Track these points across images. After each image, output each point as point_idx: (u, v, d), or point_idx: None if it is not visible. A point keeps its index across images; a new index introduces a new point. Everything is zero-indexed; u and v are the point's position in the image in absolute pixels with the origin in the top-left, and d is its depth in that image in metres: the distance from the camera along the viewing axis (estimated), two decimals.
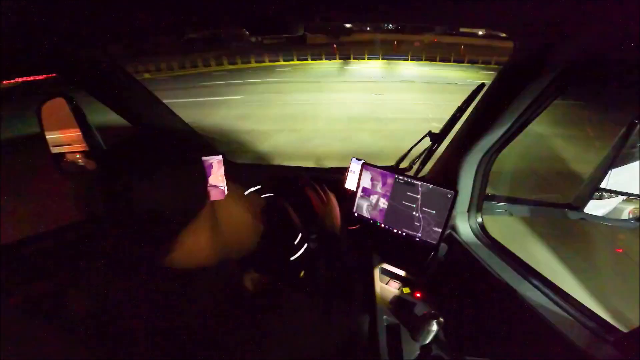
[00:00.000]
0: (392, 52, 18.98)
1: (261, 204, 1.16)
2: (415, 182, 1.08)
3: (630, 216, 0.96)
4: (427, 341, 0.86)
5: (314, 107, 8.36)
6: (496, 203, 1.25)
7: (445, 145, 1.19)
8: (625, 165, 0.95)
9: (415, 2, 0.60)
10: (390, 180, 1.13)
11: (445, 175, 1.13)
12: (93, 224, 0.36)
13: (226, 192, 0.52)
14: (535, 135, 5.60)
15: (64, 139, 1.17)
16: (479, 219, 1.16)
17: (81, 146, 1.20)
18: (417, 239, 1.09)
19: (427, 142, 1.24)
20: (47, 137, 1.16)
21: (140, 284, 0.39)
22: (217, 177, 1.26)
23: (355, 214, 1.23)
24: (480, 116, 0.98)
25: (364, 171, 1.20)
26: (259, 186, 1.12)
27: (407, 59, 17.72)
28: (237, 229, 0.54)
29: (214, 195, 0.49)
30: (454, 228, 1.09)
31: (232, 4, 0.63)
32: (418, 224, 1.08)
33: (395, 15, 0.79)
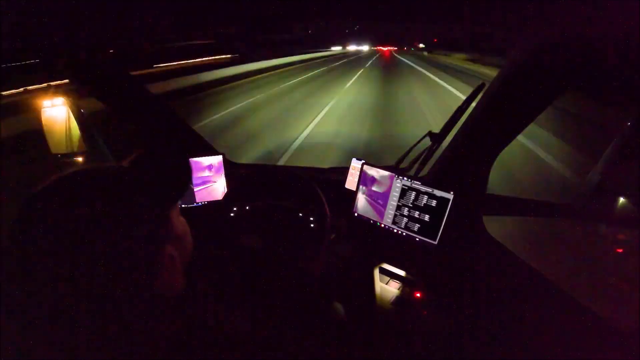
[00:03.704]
0: None
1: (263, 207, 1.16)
2: (415, 182, 1.08)
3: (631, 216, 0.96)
4: None
5: None
6: (496, 203, 1.25)
7: (445, 145, 1.19)
8: (624, 165, 0.95)
9: (417, 1, 0.60)
10: (390, 181, 1.13)
11: (445, 175, 1.13)
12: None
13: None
14: None
15: (65, 139, 1.17)
16: (479, 219, 1.16)
17: (81, 147, 1.21)
18: (417, 239, 1.09)
19: (427, 142, 1.24)
20: (47, 137, 1.16)
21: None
22: (217, 177, 1.26)
23: (355, 214, 1.23)
24: (480, 116, 0.98)
25: (364, 171, 1.20)
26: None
27: None
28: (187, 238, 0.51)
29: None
30: (453, 228, 1.09)
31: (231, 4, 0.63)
32: (418, 224, 1.08)
33: (398, 13, 0.79)
